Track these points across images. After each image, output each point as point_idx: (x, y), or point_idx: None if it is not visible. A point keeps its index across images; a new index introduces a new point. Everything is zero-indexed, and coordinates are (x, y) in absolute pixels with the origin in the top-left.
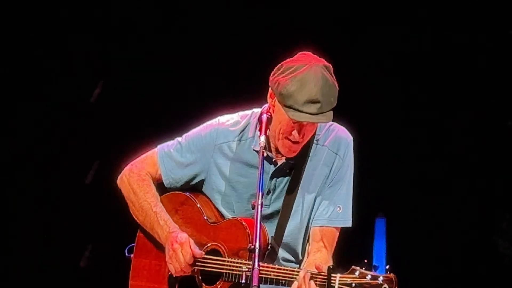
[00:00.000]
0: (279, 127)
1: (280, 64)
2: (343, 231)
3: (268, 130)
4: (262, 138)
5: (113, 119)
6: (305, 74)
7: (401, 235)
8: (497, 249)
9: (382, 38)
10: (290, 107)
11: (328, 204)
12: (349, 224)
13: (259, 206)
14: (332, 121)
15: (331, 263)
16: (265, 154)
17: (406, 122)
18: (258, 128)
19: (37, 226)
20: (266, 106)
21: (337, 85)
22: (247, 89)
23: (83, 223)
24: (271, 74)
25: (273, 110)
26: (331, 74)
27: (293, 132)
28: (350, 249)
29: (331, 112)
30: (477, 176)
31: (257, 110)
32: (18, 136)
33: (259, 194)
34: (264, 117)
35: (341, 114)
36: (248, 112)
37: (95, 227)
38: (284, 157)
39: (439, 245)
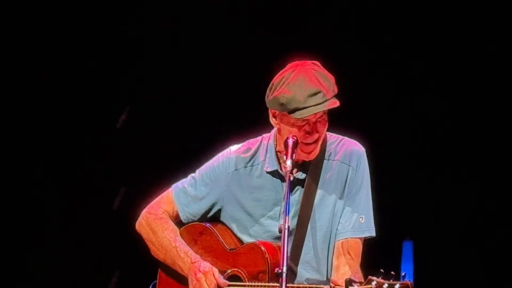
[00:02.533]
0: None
1: (270, 84)
2: (370, 253)
3: (294, 155)
4: (289, 162)
5: (139, 144)
6: (297, 76)
7: (428, 258)
8: None
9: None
10: (294, 109)
11: (350, 215)
12: (373, 233)
13: (286, 230)
14: (352, 138)
15: (360, 274)
16: (291, 178)
17: (433, 145)
18: (283, 152)
19: (64, 252)
20: (274, 130)
21: (331, 76)
22: (257, 121)
23: (110, 249)
24: (266, 97)
25: (279, 129)
26: (320, 67)
27: (306, 134)
28: (377, 271)
29: (336, 99)
30: (508, 198)
31: (267, 135)
32: (44, 162)
33: (285, 219)
34: (290, 141)
35: (366, 137)
36: (258, 138)
37: (123, 253)
38: (296, 172)
39: (468, 268)
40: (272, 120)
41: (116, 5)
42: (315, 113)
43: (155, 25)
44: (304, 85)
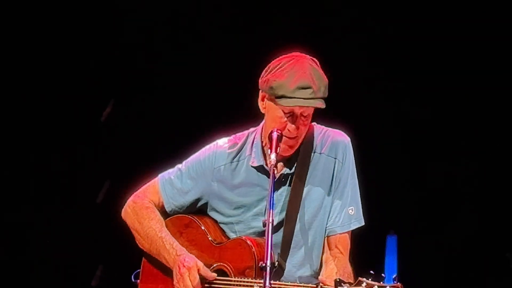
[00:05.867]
0: (273, 125)
1: (267, 66)
2: (355, 247)
3: (278, 148)
4: (273, 155)
5: (124, 137)
6: (294, 66)
7: (412, 252)
8: (510, 267)
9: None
10: (281, 96)
11: (339, 210)
12: (362, 222)
13: (270, 224)
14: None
15: (350, 268)
16: (276, 174)
17: (418, 140)
18: (268, 146)
19: (48, 246)
20: (261, 124)
21: (326, 78)
22: (244, 113)
23: (94, 243)
24: (260, 77)
25: (266, 113)
26: (318, 66)
27: (287, 127)
28: (361, 266)
29: (323, 102)
30: (491, 193)
31: (254, 129)
32: (28, 156)
33: (270, 212)
34: (275, 134)
35: (351, 131)
36: (245, 132)
37: (106, 247)
38: (282, 168)
39: (451, 262)
40: (260, 103)
41: (104, 2)
42: (300, 106)
43: (140, 19)
44: (297, 76)
